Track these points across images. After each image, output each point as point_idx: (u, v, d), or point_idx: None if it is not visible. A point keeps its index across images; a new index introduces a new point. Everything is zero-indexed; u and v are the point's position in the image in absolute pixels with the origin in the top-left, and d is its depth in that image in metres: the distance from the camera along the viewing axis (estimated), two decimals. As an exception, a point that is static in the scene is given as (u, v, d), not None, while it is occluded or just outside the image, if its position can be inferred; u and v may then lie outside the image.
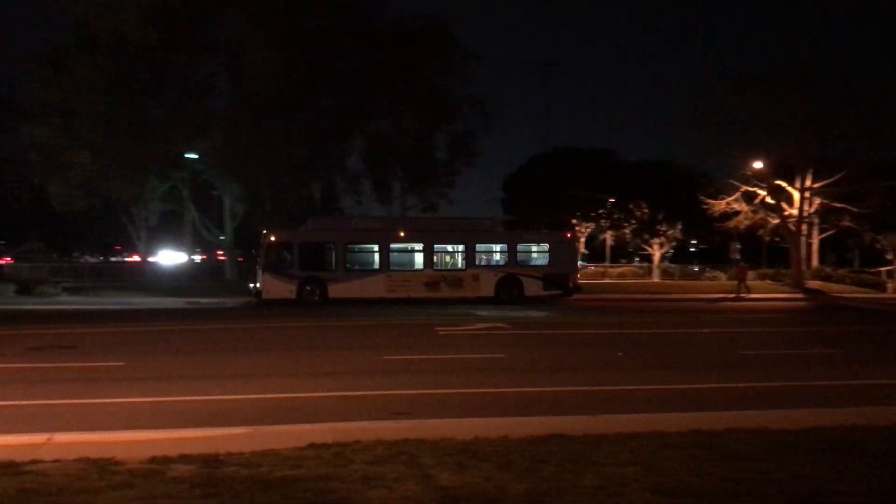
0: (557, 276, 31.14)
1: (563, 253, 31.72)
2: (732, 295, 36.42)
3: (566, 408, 10.07)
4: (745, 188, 44.40)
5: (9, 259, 60.21)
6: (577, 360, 14.96)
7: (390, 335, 19.58)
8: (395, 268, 30.53)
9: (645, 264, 59.88)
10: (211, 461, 6.71)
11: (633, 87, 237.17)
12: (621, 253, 69.84)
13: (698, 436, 7.84)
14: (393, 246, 30.71)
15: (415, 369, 13.55)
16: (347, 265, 30.28)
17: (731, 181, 44.55)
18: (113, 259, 76.70)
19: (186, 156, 39.39)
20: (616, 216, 53.63)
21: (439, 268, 31.00)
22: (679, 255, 67.53)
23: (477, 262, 31.09)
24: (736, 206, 45.38)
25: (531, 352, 16.19)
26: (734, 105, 40.88)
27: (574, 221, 53.20)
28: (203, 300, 31.28)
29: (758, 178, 43.58)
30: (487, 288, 30.65)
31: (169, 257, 62.14)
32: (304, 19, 37.55)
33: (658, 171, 54.10)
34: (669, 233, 55.13)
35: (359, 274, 30.25)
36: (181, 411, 9.84)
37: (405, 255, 31.06)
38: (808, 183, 43.83)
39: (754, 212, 45.73)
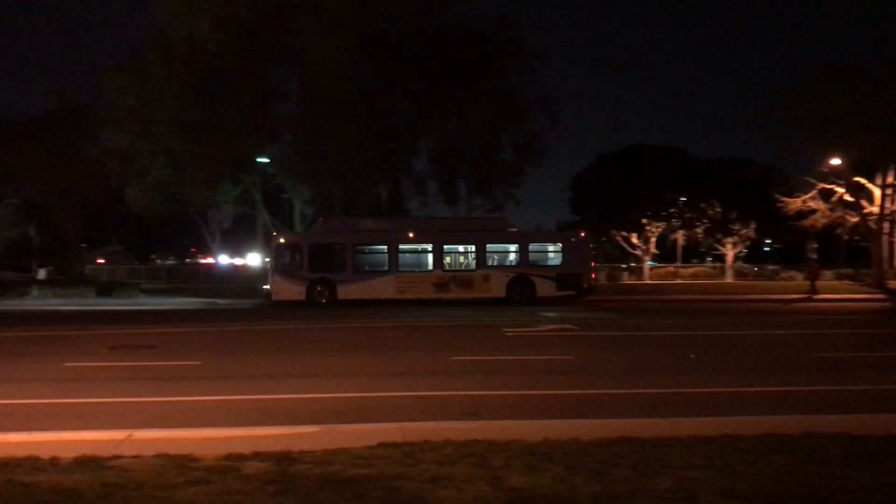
0: (571, 276, 30.74)
1: (576, 253, 31.30)
2: (804, 295, 35.52)
3: (637, 410, 9.92)
4: (821, 185, 43.01)
5: (102, 260, 62.63)
6: (647, 361, 14.73)
7: (456, 336, 19.61)
8: (404, 269, 30.56)
9: (718, 264, 58.65)
10: (284, 459, 6.84)
11: (704, 84, 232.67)
12: (693, 253, 68.53)
13: (774, 440, 7.63)
14: (402, 247, 30.74)
15: (483, 370, 13.54)
16: (357, 266, 30.41)
17: (807, 178, 43.24)
18: (188, 261, 78.90)
19: (258, 160, 40.21)
20: (688, 215, 52.57)
21: (449, 268, 30.91)
22: (753, 255, 65.92)
23: (488, 263, 30.90)
24: (812, 205, 43.99)
25: (601, 353, 16.01)
26: (811, 101, 39.67)
27: (644, 221, 52.41)
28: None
29: (836, 175, 42.19)
30: (499, 289, 30.41)
31: (242, 259, 63.62)
32: (373, 23, 37.93)
33: (731, 169, 52.74)
34: (743, 232, 53.85)
35: (368, 275, 30.32)
36: (255, 409, 10.05)
37: (414, 256, 31.11)
38: (889, 179, 42.21)
39: (832, 210, 44.28)
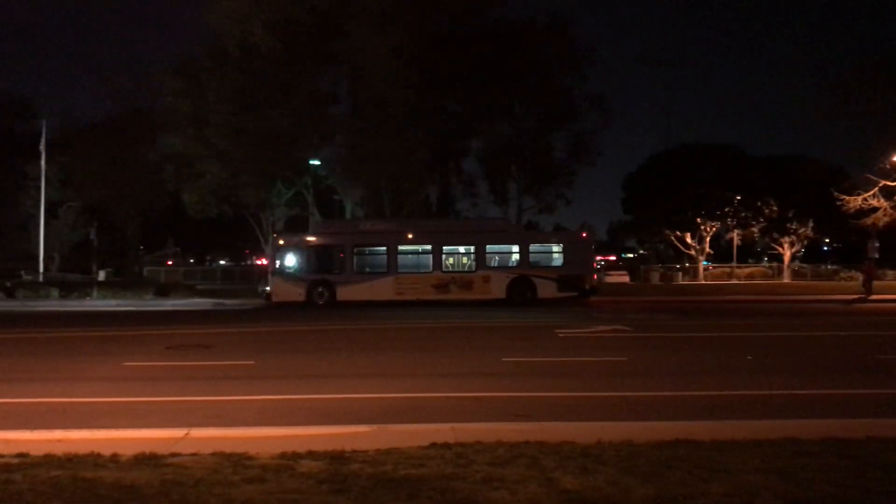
0: (572, 277, 30.33)
1: (578, 253, 30.88)
2: (859, 296, 34.61)
3: (692, 412, 9.74)
4: (883, 182, 41.81)
5: (171, 262, 64.15)
6: (703, 363, 14.49)
7: (507, 337, 19.51)
8: (403, 270, 30.47)
9: (774, 264, 57.54)
10: (337, 458, 6.91)
11: (760, 81, 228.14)
12: (748, 252, 67.31)
13: (835, 443, 7.43)
14: (401, 248, 30.64)
15: (534, 371, 13.47)
16: (356, 268, 30.49)
17: (868, 175, 42.05)
18: (242, 263, 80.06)
19: (311, 162, 40.67)
20: (743, 214, 51.67)
21: (449, 270, 30.73)
22: (811, 255, 64.48)
23: (488, 264, 30.64)
24: (874, 202, 42.72)
25: (655, 355, 15.78)
26: (872, 96, 38.60)
27: (698, 220, 51.65)
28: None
29: (899, 171, 40.99)
30: (499, 290, 30.16)
31: None
32: (422, 25, 38.06)
33: (788, 167, 51.75)
34: (800, 231, 52.71)
35: (367, 276, 30.36)
36: (308, 409, 10.15)
37: (414, 257, 30.96)
38: (955, 175, 40.87)
39: (894, 208, 43.01)
